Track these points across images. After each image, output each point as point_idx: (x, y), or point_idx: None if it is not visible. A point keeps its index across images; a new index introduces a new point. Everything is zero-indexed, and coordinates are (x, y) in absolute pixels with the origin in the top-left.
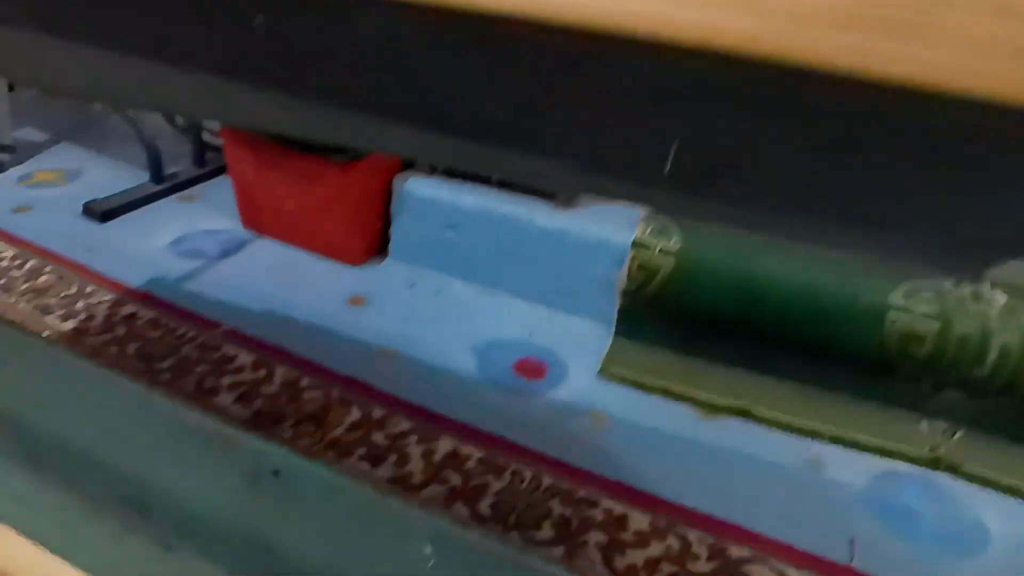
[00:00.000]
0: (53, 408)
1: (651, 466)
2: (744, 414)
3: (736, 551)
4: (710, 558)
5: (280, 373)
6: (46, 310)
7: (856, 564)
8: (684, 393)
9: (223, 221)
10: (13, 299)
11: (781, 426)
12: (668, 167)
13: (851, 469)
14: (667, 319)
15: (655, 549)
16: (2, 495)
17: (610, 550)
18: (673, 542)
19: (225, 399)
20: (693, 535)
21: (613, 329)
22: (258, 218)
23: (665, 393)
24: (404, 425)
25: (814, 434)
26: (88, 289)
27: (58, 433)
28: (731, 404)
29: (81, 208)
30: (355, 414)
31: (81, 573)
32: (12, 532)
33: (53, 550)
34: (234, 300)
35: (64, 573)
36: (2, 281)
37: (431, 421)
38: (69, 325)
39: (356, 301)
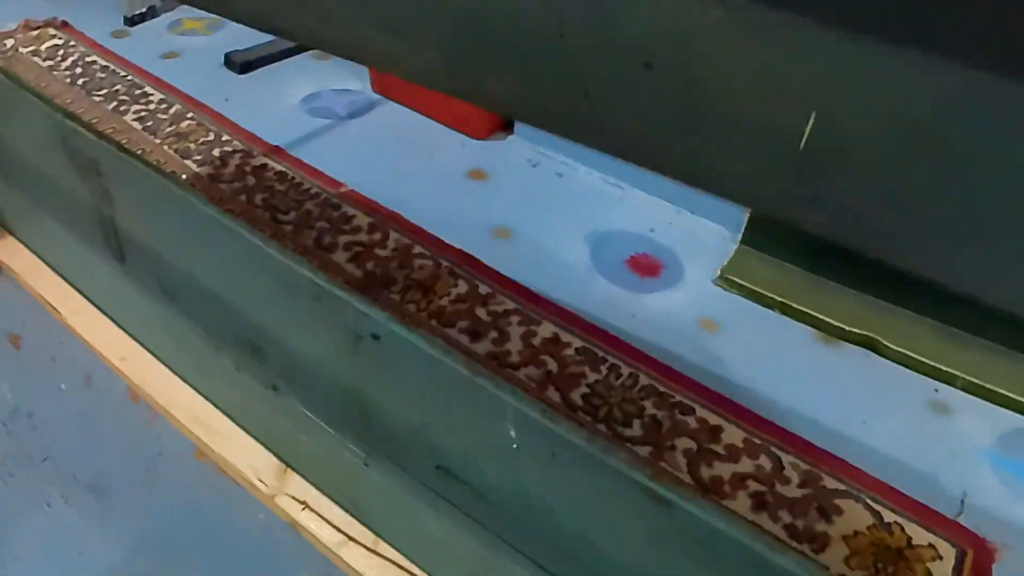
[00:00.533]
0: (185, 247)
1: (757, 382)
2: (869, 345)
3: (831, 482)
4: (801, 484)
5: (394, 238)
6: (185, 154)
7: (964, 520)
8: (806, 312)
9: (354, 82)
10: (158, 141)
11: (909, 363)
12: None
13: (980, 421)
14: (799, 233)
15: (745, 466)
16: (140, 319)
17: (698, 458)
18: (765, 462)
19: (340, 256)
20: (788, 459)
21: (740, 236)
22: (387, 82)
23: (785, 310)
24: (508, 304)
25: (946, 378)
26: (224, 137)
27: (188, 270)
28: (857, 332)
29: (222, 58)
30: (461, 287)
31: (199, 396)
32: (146, 352)
33: (178, 373)
34: (357, 161)
35: (185, 394)
36: (149, 123)
37: (536, 304)
38: (205, 170)
39: (476, 175)
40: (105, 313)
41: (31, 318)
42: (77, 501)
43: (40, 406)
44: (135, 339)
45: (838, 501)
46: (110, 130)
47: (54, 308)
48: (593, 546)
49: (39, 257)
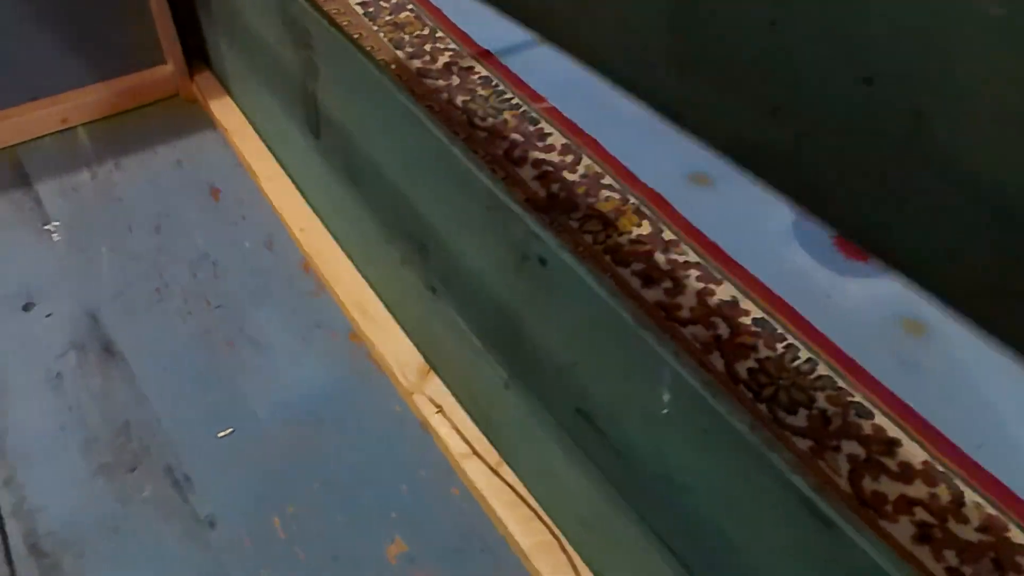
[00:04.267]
0: (376, 133)
1: (955, 403)
2: None
3: (1019, 536)
4: (981, 529)
5: (585, 164)
6: (398, 44)
7: None
8: None
9: None
10: (375, 27)
11: None
12: None
13: None
14: None
15: (917, 490)
16: (324, 195)
17: (863, 469)
18: (943, 492)
19: (527, 172)
20: (972, 496)
21: None
22: None
23: None
24: (691, 256)
25: None
26: (438, 34)
27: (375, 157)
28: None
29: None
30: (645, 228)
31: (363, 281)
32: (324, 228)
33: (348, 254)
34: (564, 80)
35: (351, 276)
36: (371, 9)
37: (720, 261)
38: (413, 63)
39: None
40: (295, 183)
41: (232, 176)
42: (239, 350)
43: (224, 257)
44: (316, 213)
45: (1022, 559)
46: (334, 11)
47: (253, 170)
48: (724, 537)
49: (248, 120)
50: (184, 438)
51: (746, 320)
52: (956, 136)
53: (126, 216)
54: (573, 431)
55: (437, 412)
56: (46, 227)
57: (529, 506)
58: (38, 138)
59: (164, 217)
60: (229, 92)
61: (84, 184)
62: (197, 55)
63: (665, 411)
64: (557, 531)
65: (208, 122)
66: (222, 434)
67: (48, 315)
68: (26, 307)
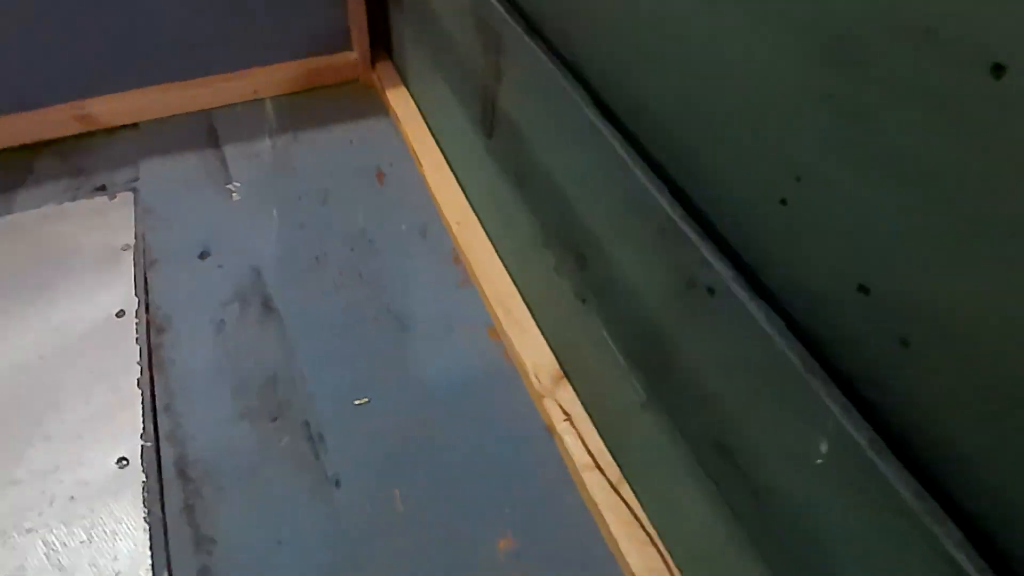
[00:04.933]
0: (552, 140)
1: None
2: None
3: None
4: None
5: None
6: None
7: None
8: None
9: None
10: None
11: None
12: None
13: None
14: None
15: None
16: (485, 193)
17: None
18: None
19: None
20: None
21: None
22: None
23: None
24: None
25: None
26: None
27: (547, 163)
28: None
29: None
30: None
31: (511, 281)
32: (479, 223)
33: (499, 253)
34: None
35: (499, 274)
36: None
37: None
38: None
39: None
40: (457, 177)
41: (398, 161)
42: (383, 326)
43: (380, 237)
44: (473, 208)
45: None
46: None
47: (418, 159)
48: None
49: (420, 110)
50: (323, 399)
51: None
52: None
53: (297, 185)
54: (707, 464)
55: (565, 420)
56: (228, 186)
57: (645, 529)
58: (231, 105)
59: (331, 191)
60: (405, 82)
61: (265, 151)
62: (380, 44)
63: (819, 461)
64: (670, 560)
65: (382, 108)
66: (358, 402)
67: (220, 266)
68: (201, 255)
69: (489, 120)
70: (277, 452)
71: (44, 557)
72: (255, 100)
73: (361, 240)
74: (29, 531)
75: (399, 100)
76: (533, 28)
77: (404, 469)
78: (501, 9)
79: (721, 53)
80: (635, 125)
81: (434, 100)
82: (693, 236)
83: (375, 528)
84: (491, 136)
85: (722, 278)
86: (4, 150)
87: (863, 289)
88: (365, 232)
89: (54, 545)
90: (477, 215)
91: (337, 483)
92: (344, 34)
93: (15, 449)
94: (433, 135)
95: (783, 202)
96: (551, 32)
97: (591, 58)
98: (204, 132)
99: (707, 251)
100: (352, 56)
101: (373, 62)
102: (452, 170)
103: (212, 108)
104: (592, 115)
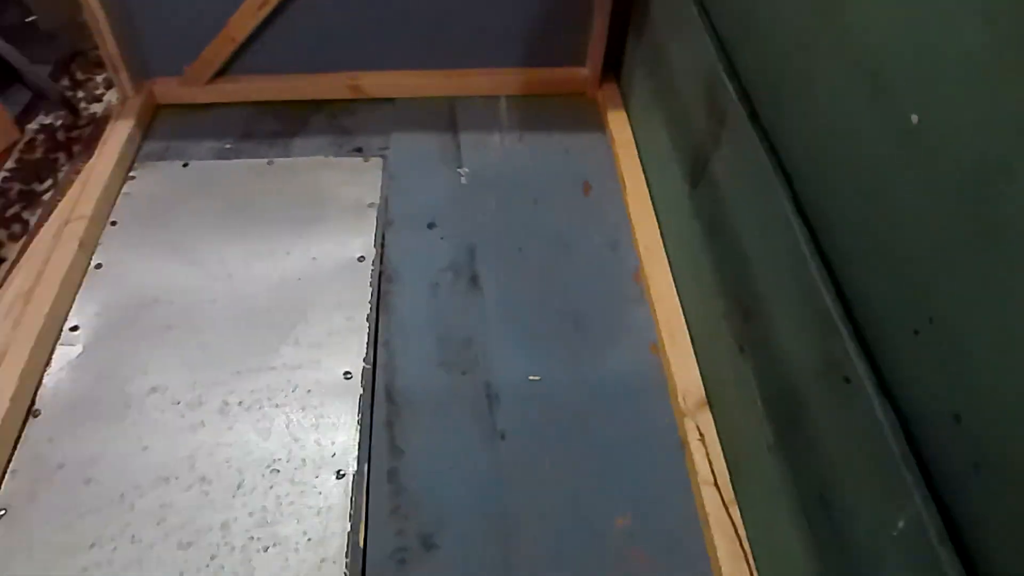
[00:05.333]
0: (747, 213)
1: None
2: None
3: None
4: None
5: None
6: None
7: None
8: None
9: None
10: None
11: None
12: None
13: None
14: None
15: None
16: (676, 230)
17: None
18: None
19: None
20: None
21: None
22: None
23: None
24: None
25: None
26: None
27: (736, 228)
28: None
29: None
30: None
31: (681, 310)
32: (664, 254)
33: (677, 284)
34: None
35: (672, 301)
36: None
37: None
38: None
39: None
40: (655, 207)
41: (605, 178)
42: (562, 320)
43: (576, 243)
44: (663, 239)
45: None
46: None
47: (623, 181)
48: None
49: (635, 137)
50: (504, 368)
51: None
52: None
53: (514, 180)
54: (808, 511)
55: (698, 439)
56: (458, 169)
57: (742, 547)
58: (471, 97)
59: (542, 192)
60: (627, 107)
61: (493, 145)
62: (611, 67)
63: (894, 534)
64: None
65: (600, 126)
66: (532, 378)
67: (442, 237)
68: (429, 225)
69: (698, 174)
70: (461, 399)
71: (284, 427)
72: (492, 96)
73: (559, 241)
74: (277, 406)
75: (618, 122)
76: (754, 113)
77: (557, 440)
78: (731, 90)
79: (890, 194)
80: (817, 220)
81: (649, 133)
82: (844, 332)
83: (524, 479)
84: (695, 187)
85: (858, 373)
86: (290, 102)
87: (956, 417)
88: (563, 235)
89: (292, 421)
90: (665, 245)
91: (503, 436)
92: (581, 52)
93: (273, 345)
94: (642, 163)
95: (916, 332)
96: (766, 120)
97: (794, 153)
98: (446, 117)
99: (852, 348)
100: (584, 72)
101: (601, 82)
102: (652, 199)
103: (456, 96)
104: (786, 206)
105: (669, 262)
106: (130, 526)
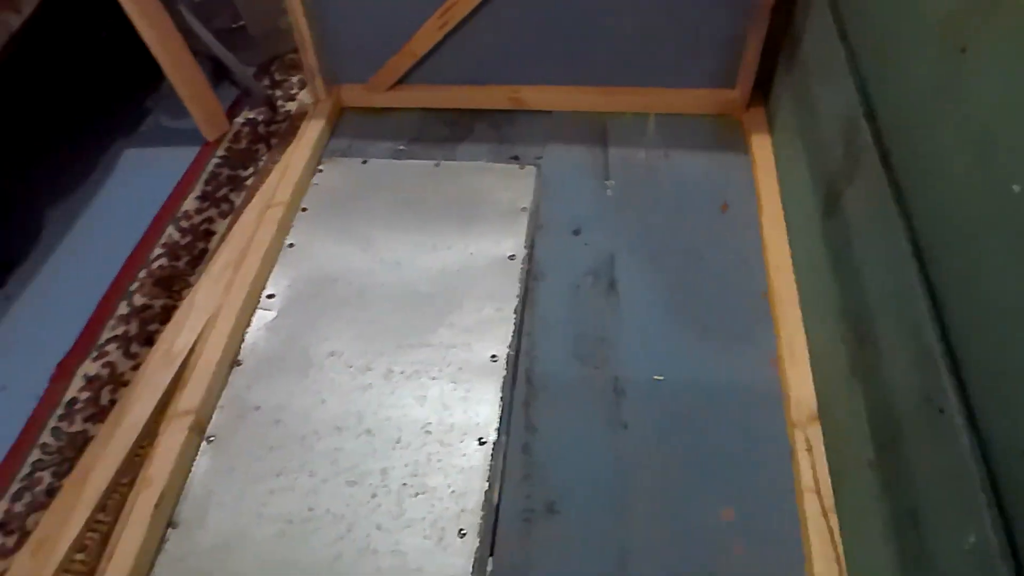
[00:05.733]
0: (869, 249)
1: None
2: None
3: None
4: None
5: None
6: None
7: None
8: None
9: None
10: None
11: None
12: None
13: None
14: None
15: None
16: (806, 257)
17: None
18: None
19: None
20: None
21: None
22: None
23: None
24: None
25: None
26: None
27: (859, 259)
28: None
29: None
30: None
31: (802, 326)
32: (793, 276)
33: (802, 302)
34: None
35: (795, 315)
36: None
37: None
38: None
39: None
40: (788, 229)
41: (743, 198)
42: (690, 328)
43: (708, 257)
44: (793, 260)
45: None
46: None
47: (760, 203)
48: None
49: (776, 162)
50: (632, 366)
51: None
52: None
53: (656, 195)
54: (901, 527)
55: (807, 449)
56: (605, 181)
57: (836, 553)
58: (622, 113)
59: (681, 207)
60: (770, 132)
61: (638, 160)
62: (759, 91)
63: (966, 548)
64: None
65: (743, 148)
66: (656, 377)
67: (586, 244)
68: (575, 232)
69: (831, 205)
70: (591, 389)
71: (438, 396)
72: (642, 114)
73: (692, 255)
74: (433, 378)
75: (760, 146)
76: (886, 157)
77: (674, 435)
78: (867, 132)
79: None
80: (930, 264)
81: (790, 160)
82: (943, 369)
83: (640, 465)
84: (827, 217)
85: (951, 405)
86: (457, 110)
87: None
88: (698, 250)
89: (445, 392)
90: (794, 267)
91: (625, 426)
92: (731, 74)
93: (431, 325)
94: (780, 187)
95: (1003, 374)
96: (896, 164)
97: (915, 199)
98: (597, 131)
99: (948, 384)
100: (733, 95)
101: (749, 105)
102: (786, 222)
103: (607, 112)
104: (904, 247)
105: (796, 282)
106: (308, 463)
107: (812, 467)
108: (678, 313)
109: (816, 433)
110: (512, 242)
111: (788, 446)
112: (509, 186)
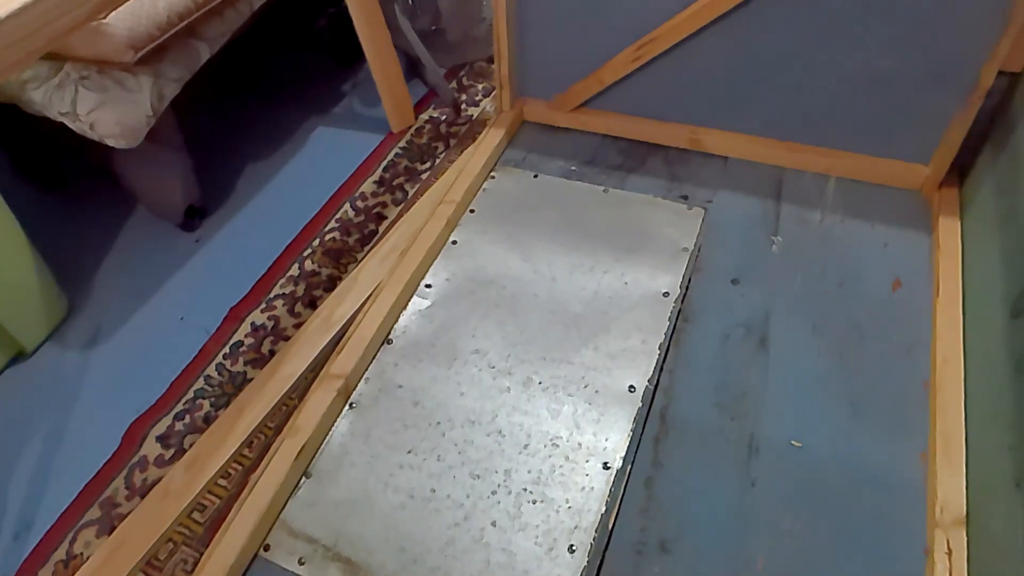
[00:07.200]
0: None
1: None
2: None
3: None
4: None
5: None
6: None
7: None
8: None
9: None
10: None
11: None
12: None
13: None
14: None
15: None
16: (979, 354)
17: None
18: None
19: None
20: None
21: None
22: None
23: None
24: None
25: None
26: None
27: None
28: None
29: None
30: None
31: (963, 429)
32: (961, 372)
33: (968, 407)
34: None
35: (957, 420)
36: None
37: None
38: None
39: None
40: (964, 323)
41: (918, 280)
42: (839, 404)
43: (871, 335)
44: (965, 356)
45: None
46: None
47: (937, 288)
48: None
49: (962, 249)
50: (771, 426)
51: None
52: None
53: (824, 260)
54: None
55: (946, 553)
56: (772, 236)
57: None
58: (801, 171)
59: (849, 277)
60: (961, 217)
61: (812, 221)
62: (956, 171)
63: None
64: None
65: (927, 228)
66: (795, 443)
67: (743, 295)
68: (733, 281)
69: (1021, 307)
70: (725, 440)
71: (571, 414)
72: (822, 175)
73: (854, 328)
74: (570, 395)
75: (948, 229)
76: None
77: (803, 504)
78: None
79: None
80: None
81: (979, 249)
82: None
83: (763, 525)
84: (1015, 318)
85: None
86: (634, 141)
87: None
88: (861, 325)
89: (578, 411)
90: (965, 362)
91: (753, 483)
92: (926, 149)
93: (576, 344)
94: (962, 275)
95: None
96: None
97: None
98: (772, 185)
99: None
100: (925, 171)
101: (941, 184)
102: (963, 315)
103: (786, 167)
104: None
105: (964, 378)
106: (439, 447)
107: (949, 571)
108: (829, 384)
109: (959, 538)
110: (669, 279)
111: (924, 545)
112: (674, 224)
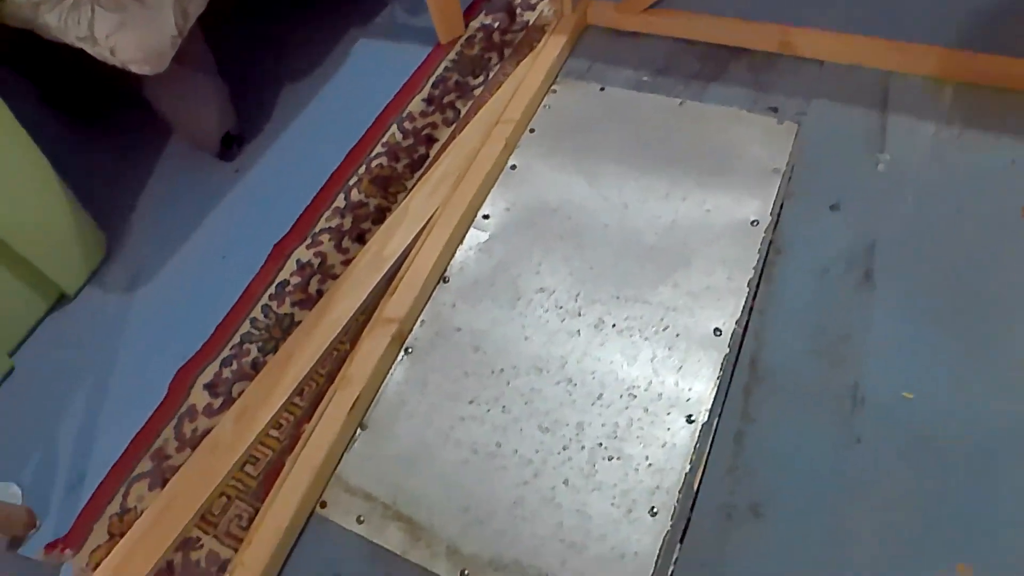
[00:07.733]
0: None
1: None
2: None
3: None
4: None
5: None
6: None
7: None
8: None
9: None
10: None
11: None
12: None
13: None
14: None
15: None
16: None
17: None
18: None
19: None
20: None
21: None
22: None
23: None
24: None
25: None
26: None
27: None
28: None
29: None
30: None
31: None
32: None
33: None
34: None
35: None
36: None
37: None
38: None
39: None
40: None
41: None
42: (948, 350)
43: (994, 270)
44: None
45: None
46: None
47: None
48: None
49: None
50: (878, 375)
51: None
52: None
53: (940, 181)
54: None
55: None
56: (878, 154)
57: None
58: (911, 75)
59: (969, 202)
60: None
61: (925, 135)
62: None
63: None
64: None
65: None
66: (906, 395)
67: (844, 224)
68: (832, 207)
69: None
70: (824, 391)
71: (649, 359)
72: (937, 79)
73: (973, 261)
74: (646, 339)
75: None
76: None
77: (915, 464)
78: None
79: None
80: None
81: None
82: None
83: (867, 489)
84: None
85: None
86: (713, 44)
87: None
88: (984, 258)
89: (657, 356)
90: None
91: (858, 440)
92: None
93: (653, 281)
94: None
95: None
96: None
97: None
98: (877, 92)
99: None
100: None
101: None
102: None
103: (892, 71)
104: None
105: None
106: (503, 397)
107: None
108: (946, 326)
109: None
110: (757, 205)
111: None
112: (762, 141)
